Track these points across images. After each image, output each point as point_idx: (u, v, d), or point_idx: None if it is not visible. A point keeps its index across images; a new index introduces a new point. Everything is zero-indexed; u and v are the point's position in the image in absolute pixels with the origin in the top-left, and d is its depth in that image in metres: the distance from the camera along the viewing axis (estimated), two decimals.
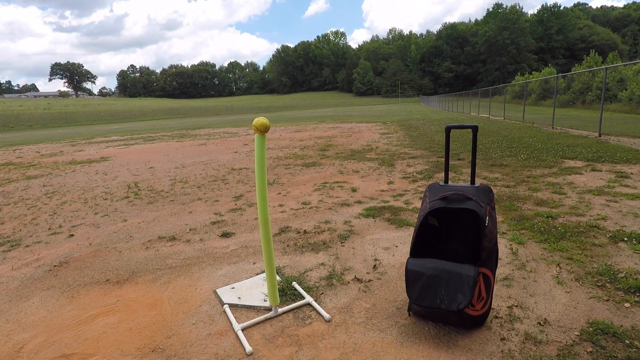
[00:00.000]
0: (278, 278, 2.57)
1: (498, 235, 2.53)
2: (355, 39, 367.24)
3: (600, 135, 9.13)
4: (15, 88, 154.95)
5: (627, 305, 2.05)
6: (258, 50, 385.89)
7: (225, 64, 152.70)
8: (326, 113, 35.88)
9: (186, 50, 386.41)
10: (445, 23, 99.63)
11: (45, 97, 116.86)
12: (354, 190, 5.01)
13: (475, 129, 2.08)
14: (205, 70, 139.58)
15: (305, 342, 1.92)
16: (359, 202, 4.42)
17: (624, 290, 2.19)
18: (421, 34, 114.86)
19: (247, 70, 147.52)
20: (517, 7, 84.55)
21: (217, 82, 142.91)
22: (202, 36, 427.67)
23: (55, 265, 3.06)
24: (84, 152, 11.86)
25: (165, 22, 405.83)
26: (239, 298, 2.36)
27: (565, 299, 2.16)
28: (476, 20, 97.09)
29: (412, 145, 9.24)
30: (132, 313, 2.28)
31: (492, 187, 2.92)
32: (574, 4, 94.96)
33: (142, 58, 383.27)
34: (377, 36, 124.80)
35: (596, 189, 4.35)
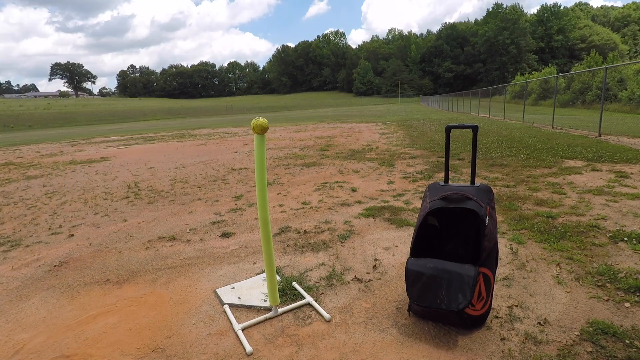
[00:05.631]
0: (278, 278, 2.57)
1: (498, 235, 2.53)
2: (355, 39, 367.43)
3: (600, 135, 9.13)
4: (15, 88, 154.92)
5: (627, 305, 2.05)
6: (259, 51, 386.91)
7: (226, 64, 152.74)
8: (326, 113, 35.88)
9: (189, 52, 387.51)
10: (445, 23, 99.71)
11: (45, 97, 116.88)
12: (354, 190, 5.01)
13: (475, 128, 2.08)
14: (205, 70, 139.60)
15: (305, 342, 1.92)
16: (359, 202, 4.42)
17: (624, 290, 2.19)
18: (421, 34, 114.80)
19: (247, 70, 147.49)
20: (517, 7, 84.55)
21: (217, 82, 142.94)
22: (206, 37, 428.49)
23: (55, 265, 3.06)
24: (84, 152, 11.86)
25: (170, 24, 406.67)
26: (239, 298, 2.36)
27: (565, 298, 2.16)
28: (476, 20, 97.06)
29: (412, 145, 9.24)
30: (132, 313, 2.28)
31: (492, 187, 2.91)
32: (574, 3, 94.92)
33: (145, 59, 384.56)
34: (377, 36, 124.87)
35: (596, 189, 4.35)
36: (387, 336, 1.92)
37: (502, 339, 1.84)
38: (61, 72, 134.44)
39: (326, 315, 2.11)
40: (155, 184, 6.18)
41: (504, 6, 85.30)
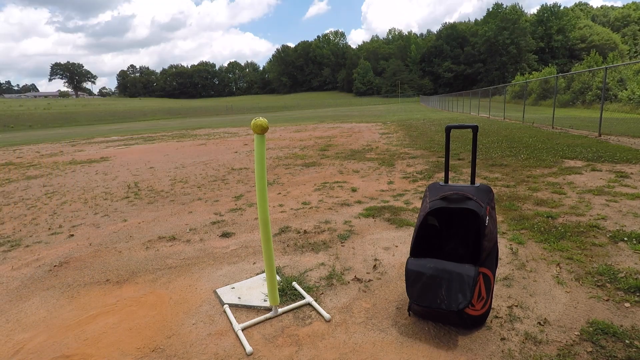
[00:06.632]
0: (278, 278, 2.57)
1: (498, 235, 2.53)
2: (355, 39, 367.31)
3: (600, 135, 9.13)
4: (15, 88, 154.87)
5: (627, 305, 2.05)
6: (259, 51, 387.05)
7: (226, 64, 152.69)
8: (326, 113, 35.87)
9: (189, 52, 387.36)
10: (445, 23, 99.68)
11: (45, 97, 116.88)
12: (354, 190, 5.01)
13: (475, 128, 2.08)
14: (205, 70, 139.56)
15: (305, 342, 1.92)
16: (359, 202, 4.42)
17: (624, 290, 2.19)
18: (421, 34, 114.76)
19: (247, 70, 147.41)
20: (517, 7, 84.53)
21: (217, 82, 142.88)
22: (206, 37, 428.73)
23: (55, 265, 3.06)
24: (84, 152, 11.86)
25: (170, 24, 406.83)
26: (239, 298, 2.36)
27: (565, 298, 2.16)
28: (476, 20, 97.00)
29: (412, 145, 9.24)
30: (132, 313, 2.28)
31: (492, 187, 2.91)
32: (574, 3, 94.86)
33: (145, 59, 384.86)
34: (377, 36, 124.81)
35: (596, 189, 4.35)
36: (387, 336, 1.92)
37: (502, 339, 1.84)
38: (61, 72, 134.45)
39: (326, 315, 2.11)
40: (155, 184, 6.18)
41: (504, 6, 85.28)
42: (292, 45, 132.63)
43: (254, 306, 2.26)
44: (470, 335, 1.88)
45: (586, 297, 2.16)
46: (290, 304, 2.26)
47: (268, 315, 2.14)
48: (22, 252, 3.44)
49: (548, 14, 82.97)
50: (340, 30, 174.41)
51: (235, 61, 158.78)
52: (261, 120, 1.89)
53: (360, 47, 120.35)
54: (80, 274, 2.88)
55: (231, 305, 2.28)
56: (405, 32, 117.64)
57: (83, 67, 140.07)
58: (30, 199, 5.61)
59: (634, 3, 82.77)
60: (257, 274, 2.70)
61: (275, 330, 2.03)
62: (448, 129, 2.15)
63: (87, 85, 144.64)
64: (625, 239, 2.89)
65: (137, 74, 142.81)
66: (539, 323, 1.94)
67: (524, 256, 2.73)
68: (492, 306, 2.10)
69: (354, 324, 2.04)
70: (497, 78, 79.65)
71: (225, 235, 3.55)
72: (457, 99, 32.49)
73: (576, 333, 1.84)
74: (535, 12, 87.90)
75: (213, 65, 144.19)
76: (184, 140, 14.05)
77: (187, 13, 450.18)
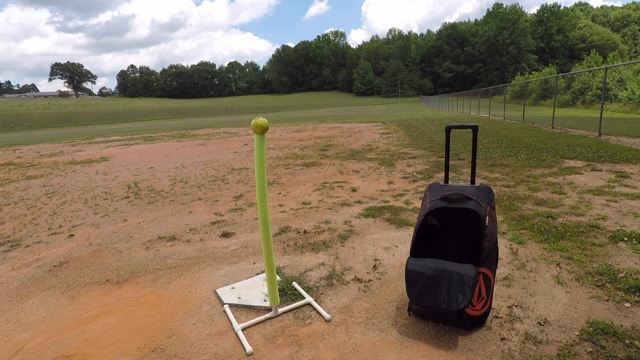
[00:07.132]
0: (278, 278, 2.57)
1: (498, 235, 2.53)
2: (355, 39, 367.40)
3: (600, 135, 9.13)
4: (15, 88, 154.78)
5: (627, 305, 2.05)
6: (259, 51, 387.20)
7: (226, 64, 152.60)
8: (326, 113, 35.87)
9: (189, 52, 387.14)
10: (445, 23, 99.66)
11: (45, 97, 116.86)
12: (354, 190, 5.01)
13: (475, 128, 2.08)
14: (205, 70, 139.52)
15: (305, 342, 1.92)
16: (359, 202, 4.42)
17: (624, 290, 2.19)
18: (421, 34, 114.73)
19: (247, 70, 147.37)
20: (517, 7, 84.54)
21: (217, 82, 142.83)
22: (206, 37, 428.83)
23: (55, 265, 3.06)
24: (84, 152, 11.86)
25: (170, 24, 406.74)
26: (239, 298, 2.36)
27: (565, 298, 2.16)
28: (476, 20, 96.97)
29: (412, 145, 9.24)
30: (132, 313, 2.28)
31: (492, 187, 2.92)
32: (574, 3, 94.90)
33: (145, 59, 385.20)
34: (377, 36, 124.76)
35: (596, 189, 4.35)
36: (387, 336, 1.92)
37: (502, 339, 1.84)
38: (61, 72, 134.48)
39: (326, 315, 2.11)
40: (155, 184, 6.18)
41: (504, 6, 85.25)
42: (292, 45, 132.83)
43: (254, 306, 2.26)
44: (470, 335, 1.88)
45: (586, 297, 2.16)
46: (290, 304, 2.26)
47: (268, 315, 2.14)
48: (22, 252, 3.44)
49: (548, 14, 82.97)
50: (340, 30, 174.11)
51: (235, 61, 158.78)
52: (261, 120, 1.89)
53: (360, 47, 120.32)
54: (80, 274, 2.88)
55: (231, 305, 2.28)
56: (405, 32, 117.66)
57: (83, 67, 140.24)
58: (30, 199, 5.61)
59: (634, 3, 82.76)
60: (257, 274, 2.70)
61: (275, 330, 2.03)
62: (448, 129, 2.15)
63: (87, 85, 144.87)
64: (625, 239, 2.89)
65: (137, 74, 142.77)
66: (539, 323, 1.94)
67: (524, 256, 2.73)
68: (492, 306, 2.10)
69: (354, 324, 2.04)
70: (497, 78, 79.67)
71: (225, 235, 3.55)
72: (457, 99, 32.48)
73: (576, 333, 1.84)
74: (535, 12, 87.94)
75: (213, 65, 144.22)
76: (184, 140, 14.05)
77: (187, 13, 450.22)
